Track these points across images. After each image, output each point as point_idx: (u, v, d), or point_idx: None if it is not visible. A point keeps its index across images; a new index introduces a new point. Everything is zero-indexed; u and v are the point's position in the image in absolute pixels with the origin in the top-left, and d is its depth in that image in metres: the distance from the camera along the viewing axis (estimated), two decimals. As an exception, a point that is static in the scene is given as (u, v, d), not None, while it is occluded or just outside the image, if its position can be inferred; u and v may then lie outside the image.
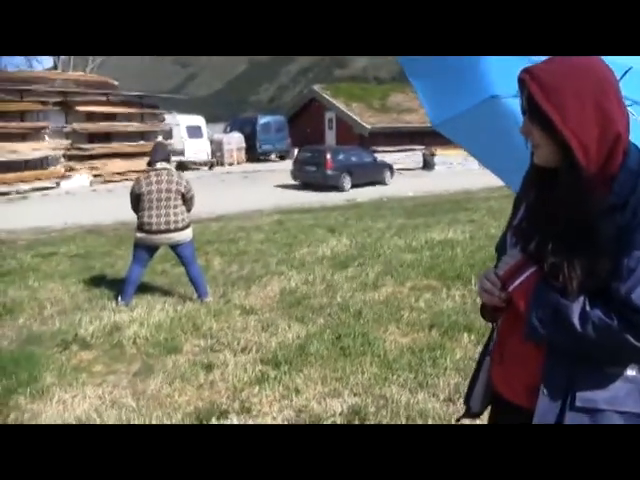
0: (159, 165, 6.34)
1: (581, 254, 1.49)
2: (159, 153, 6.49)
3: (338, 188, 19.52)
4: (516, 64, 1.74)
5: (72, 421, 3.77)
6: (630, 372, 1.54)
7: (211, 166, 27.46)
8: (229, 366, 4.62)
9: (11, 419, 3.90)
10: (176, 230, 6.22)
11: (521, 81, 1.56)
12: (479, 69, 2.48)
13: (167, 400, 4.09)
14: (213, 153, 28.00)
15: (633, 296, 1.43)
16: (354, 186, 19.98)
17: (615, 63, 1.64)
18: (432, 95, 2.79)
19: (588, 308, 1.48)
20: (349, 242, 9.73)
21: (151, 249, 6.40)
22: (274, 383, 4.29)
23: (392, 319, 5.72)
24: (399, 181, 22.18)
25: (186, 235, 6.32)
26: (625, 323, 1.44)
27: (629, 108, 2.36)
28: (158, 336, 5.32)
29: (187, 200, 6.34)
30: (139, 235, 6.29)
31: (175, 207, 6.21)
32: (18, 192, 19.54)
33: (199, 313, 5.95)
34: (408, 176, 24.96)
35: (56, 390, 4.26)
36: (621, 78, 2.07)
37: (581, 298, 1.50)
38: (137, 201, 6.27)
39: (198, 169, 26.69)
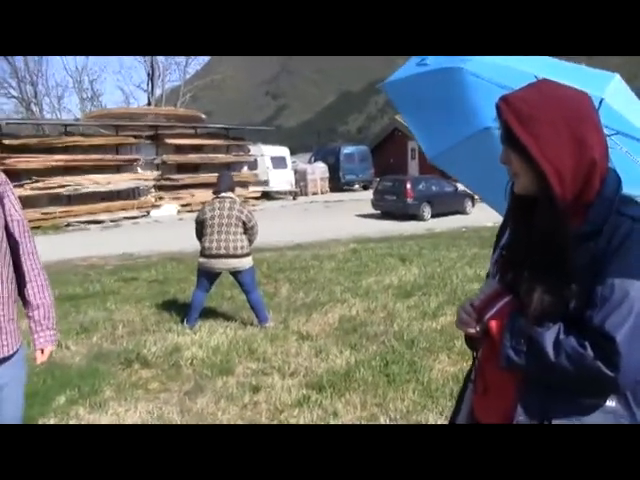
0: (223, 194, 6.67)
1: (554, 282, 1.49)
2: (224, 183, 6.82)
3: (418, 217, 19.50)
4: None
5: (118, 433, 4.06)
6: (609, 403, 1.51)
7: (295, 196, 27.98)
8: (275, 388, 4.82)
9: (68, 429, 4.23)
10: (234, 256, 6.48)
11: (498, 109, 1.55)
12: (470, 100, 2.53)
13: (210, 418, 4.31)
14: (297, 183, 28.55)
15: (606, 325, 1.41)
16: (434, 215, 19.90)
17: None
18: (424, 127, 2.86)
19: (562, 336, 1.47)
20: (418, 271, 9.77)
21: (212, 275, 6.69)
22: (314, 406, 4.44)
23: (444, 348, 5.76)
24: (480, 211, 21.88)
25: (245, 263, 6.57)
26: (598, 352, 1.43)
27: (613, 137, 2.36)
28: (214, 358, 5.58)
29: (248, 229, 6.59)
30: (200, 260, 6.62)
31: (235, 234, 6.49)
32: (112, 220, 20.65)
33: (256, 338, 6.19)
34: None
35: (112, 403, 4.59)
36: (598, 108, 2.08)
37: (556, 326, 1.49)
38: (201, 227, 6.61)
39: (282, 199, 27.29)
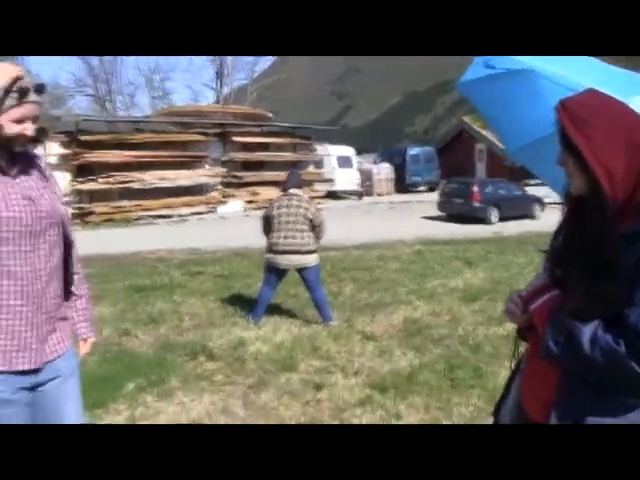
0: (291, 191, 6.72)
1: (599, 281, 1.52)
2: (292, 180, 6.87)
3: (485, 221, 19.17)
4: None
5: (185, 421, 4.15)
6: None
7: (360, 196, 27.93)
8: (338, 387, 4.81)
9: (138, 412, 4.38)
10: (300, 253, 6.52)
11: (556, 112, 1.62)
12: (544, 101, 2.52)
13: (272, 412, 4.35)
14: (362, 183, 28.50)
15: None
16: (502, 219, 19.54)
17: None
18: (503, 125, 2.85)
19: (600, 332, 1.51)
20: (484, 275, 9.61)
21: (279, 271, 6.74)
22: (377, 407, 4.42)
23: (510, 354, 5.63)
24: (549, 215, 21.38)
25: (311, 260, 6.59)
26: (632, 350, 1.46)
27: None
28: (278, 354, 5.62)
29: (315, 227, 6.62)
30: (268, 256, 6.69)
31: (302, 231, 6.52)
32: (179, 215, 21.10)
33: (320, 336, 6.20)
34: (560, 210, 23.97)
35: (178, 393, 4.68)
36: None
37: (595, 322, 1.53)
38: (268, 223, 6.67)
39: (347, 198, 27.31)
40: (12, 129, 2.10)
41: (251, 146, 24.74)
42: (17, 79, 2.05)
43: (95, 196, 19.94)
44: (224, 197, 23.36)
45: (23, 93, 2.08)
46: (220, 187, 23.53)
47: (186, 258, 12.11)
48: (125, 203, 20.38)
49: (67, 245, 2.34)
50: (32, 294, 2.14)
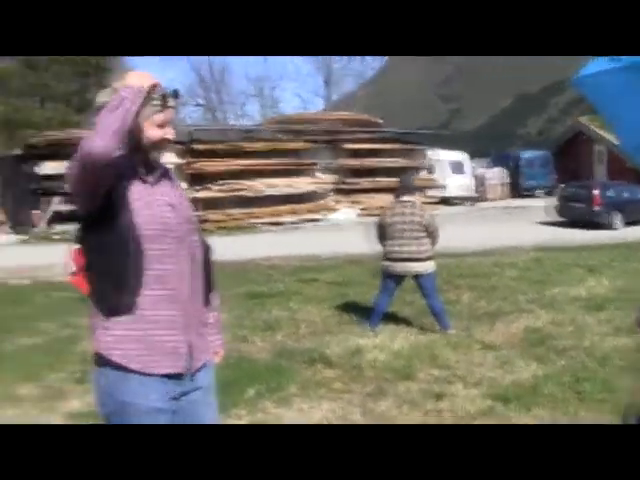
0: (404, 198, 6.66)
1: None
2: (404, 187, 6.82)
3: (607, 226, 18.24)
4: None
5: (306, 429, 4.18)
6: None
7: (473, 201, 27.43)
8: (458, 397, 4.70)
9: (258, 418, 4.48)
10: (417, 260, 6.45)
11: None
12: None
13: (392, 421, 4.30)
14: (476, 188, 27.96)
15: None
16: (627, 224, 18.54)
17: None
18: (621, 122, 2.68)
19: None
20: (609, 284, 9.13)
21: (396, 278, 6.70)
22: (500, 419, 4.28)
23: (643, 367, 5.31)
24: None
25: (427, 266, 6.51)
26: None
27: None
28: (395, 362, 5.57)
29: (430, 233, 6.53)
30: (384, 263, 6.66)
31: (417, 238, 6.45)
32: (292, 223, 21.45)
33: (438, 344, 6.10)
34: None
35: (297, 400, 4.73)
36: None
37: None
38: (382, 231, 6.64)
39: (461, 204, 26.86)
40: (156, 134, 2.17)
41: (361, 153, 24.80)
42: (156, 85, 2.10)
43: (208, 204, 20.61)
44: (336, 204, 23.54)
45: (165, 98, 2.16)
46: (332, 194, 23.73)
47: (300, 265, 12.27)
48: (238, 211, 20.95)
49: (205, 252, 2.39)
50: (180, 298, 2.17)
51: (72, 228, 19.50)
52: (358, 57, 44.70)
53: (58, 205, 19.89)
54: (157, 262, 2.12)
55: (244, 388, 4.97)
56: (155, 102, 2.13)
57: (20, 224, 21.05)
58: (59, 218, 19.94)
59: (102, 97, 2.14)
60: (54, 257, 14.18)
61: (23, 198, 21.21)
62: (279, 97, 49.25)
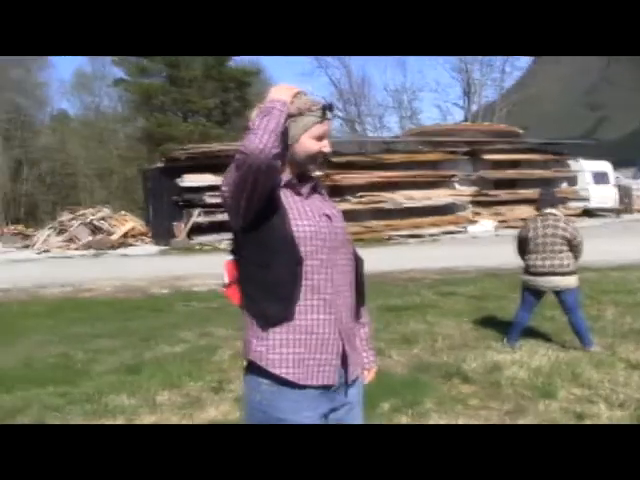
0: (547, 210, 6.50)
1: None
2: (546, 199, 6.66)
3: None
4: None
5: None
6: None
7: (618, 213, 26.08)
8: (601, 418, 4.53)
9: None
10: (560, 274, 6.28)
11: None
12: None
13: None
14: (620, 199, 26.53)
15: None
16: None
17: None
18: None
19: None
20: None
21: (536, 293, 6.55)
22: (648, 442, 4.08)
23: None
24: None
25: (570, 281, 6.32)
26: None
27: None
28: (535, 380, 5.44)
29: (574, 247, 6.34)
30: (525, 278, 6.53)
31: (560, 252, 6.28)
32: (430, 235, 21.34)
33: (580, 362, 5.88)
34: None
35: (434, 415, 4.75)
36: None
37: None
38: (523, 245, 6.52)
39: (604, 216, 25.56)
40: (314, 146, 2.17)
41: (502, 164, 24.26)
42: (300, 93, 2.14)
43: (346, 216, 20.81)
44: (475, 216, 23.16)
45: (324, 110, 2.17)
46: (470, 206, 23.37)
47: (437, 278, 12.21)
48: (376, 223, 21.12)
49: (357, 264, 2.36)
50: (334, 309, 2.16)
51: (211, 239, 20.61)
52: (498, 66, 43.63)
53: (198, 217, 20.90)
54: (313, 272, 2.12)
55: (378, 402, 4.99)
56: (315, 114, 2.15)
57: (161, 235, 22.30)
58: (198, 229, 21.01)
59: (255, 113, 2.16)
60: (193, 267, 15.04)
61: (164, 210, 22.45)
62: (418, 108, 48.78)
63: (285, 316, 2.09)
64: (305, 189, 2.23)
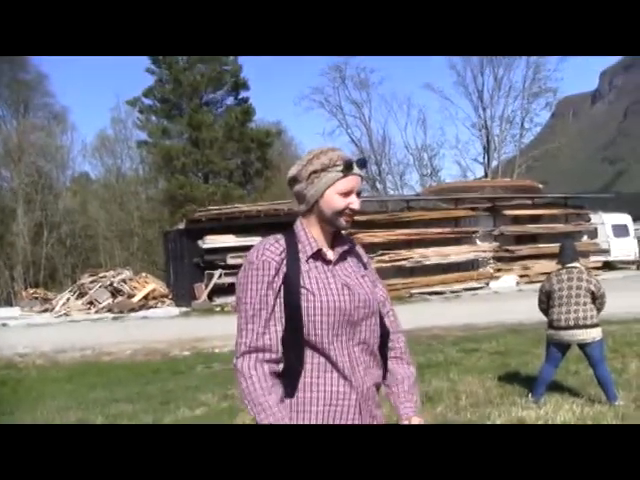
0: (570, 264, 6.54)
1: None
2: (567, 252, 6.69)
3: None
4: None
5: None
6: None
7: (639, 266, 26.02)
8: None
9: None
10: (584, 327, 6.26)
11: None
12: None
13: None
14: (640, 252, 26.60)
15: None
16: None
17: None
18: None
19: None
20: None
21: (561, 347, 6.52)
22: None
23: None
24: None
25: (595, 334, 6.29)
26: None
27: None
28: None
29: (597, 299, 6.35)
30: (549, 332, 6.52)
31: (584, 304, 6.28)
32: (452, 291, 21.28)
33: (606, 416, 5.81)
34: None
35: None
36: None
37: None
38: (547, 298, 6.54)
39: (625, 268, 25.50)
40: (339, 202, 2.10)
41: (522, 219, 24.32)
42: (339, 155, 2.12)
43: (368, 275, 20.94)
44: (496, 272, 23.10)
45: (348, 165, 2.10)
46: (492, 262, 23.35)
47: (460, 335, 12.15)
48: (398, 281, 21.12)
49: (383, 334, 2.26)
50: (353, 383, 2.09)
51: (232, 300, 20.50)
52: (517, 122, 43.96)
53: (219, 278, 20.98)
54: (328, 346, 2.06)
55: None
56: (338, 168, 2.10)
57: (182, 297, 22.33)
58: (220, 290, 21.06)
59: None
60: (214, 329, 15.00)
61: (186, 271, 22.55)
62: (438, 165, 49.05)
63: (293, 389, 2.07)
64: (335, 253, 2.17)
